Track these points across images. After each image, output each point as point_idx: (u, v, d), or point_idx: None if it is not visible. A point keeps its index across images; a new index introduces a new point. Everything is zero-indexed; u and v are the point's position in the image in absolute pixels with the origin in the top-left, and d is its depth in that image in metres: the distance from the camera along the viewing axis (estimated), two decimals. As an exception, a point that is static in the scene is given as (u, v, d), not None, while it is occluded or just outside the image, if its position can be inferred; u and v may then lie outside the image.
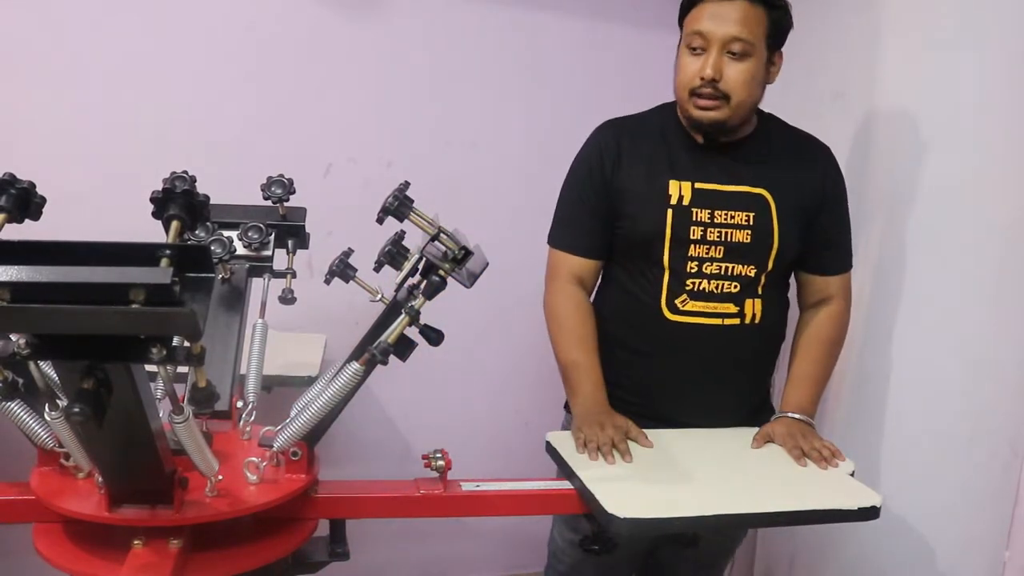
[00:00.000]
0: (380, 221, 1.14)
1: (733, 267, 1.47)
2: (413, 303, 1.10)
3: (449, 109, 2.26)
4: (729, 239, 1.46)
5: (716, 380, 1.51)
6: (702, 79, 1.39)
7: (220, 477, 1.05)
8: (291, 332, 2.02)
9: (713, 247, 1.46)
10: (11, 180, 0.95)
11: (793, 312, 1.63)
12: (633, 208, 1.48)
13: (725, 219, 1.46)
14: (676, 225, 1.45)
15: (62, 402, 0.94)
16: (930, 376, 1.66)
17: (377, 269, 1.19)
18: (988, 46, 1.58)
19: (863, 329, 1.81)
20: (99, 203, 1.91)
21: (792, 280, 1.61)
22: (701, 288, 1.47)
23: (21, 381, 1.00)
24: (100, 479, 1.02)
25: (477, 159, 2.25)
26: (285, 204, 1.27)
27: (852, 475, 1.33)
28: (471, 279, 1.14)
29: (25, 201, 0.97)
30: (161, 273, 0.77)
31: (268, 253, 1.32)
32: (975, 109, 1.60)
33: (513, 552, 2.19)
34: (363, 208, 2.19)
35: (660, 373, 1.51)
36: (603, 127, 1.56)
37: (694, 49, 1.41)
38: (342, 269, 1.23)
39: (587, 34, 2.34)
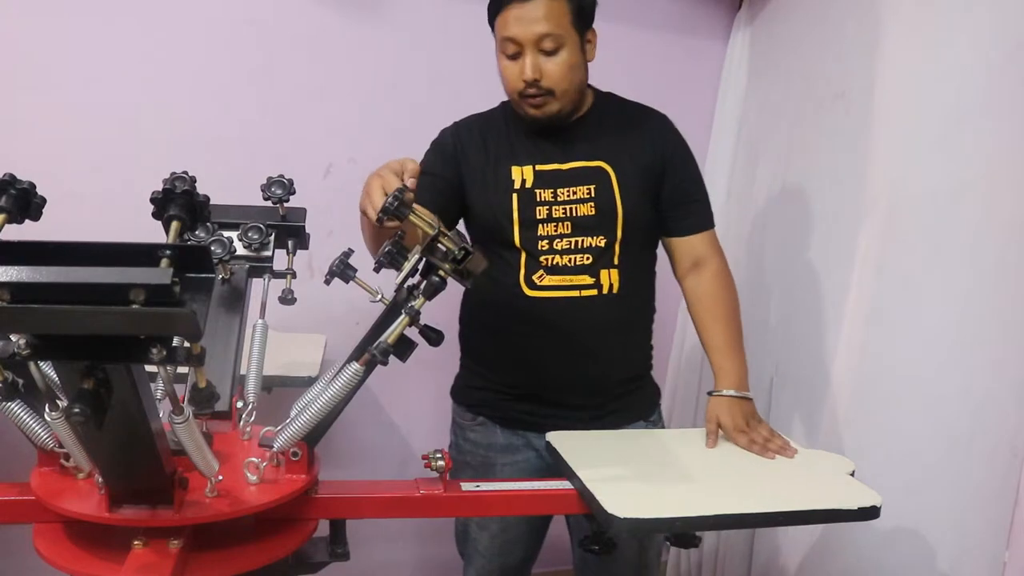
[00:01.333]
0: (379, 223, 1.14)
1: (582, 240, 1.51)
2: (413, 303, 1.10)
3: (449, 109, 2.24)
4: (574, 214, 1.51)
5: (583, 353, 1.52)
6: (525, 81, 1.45)
7: (220, 477, 1.05)
8: (291, 332, 2.03)
9: (560, 223, 1.51)
10: (11, 180, 0.95)
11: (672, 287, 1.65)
12: (480, 196, 1.54)
13: (568, 196, 1.51)
14: (522, 208, 1.51)
15: (62, 402, 0.94)
16: (930, 376, 1.66)
17: (377, 270, 1.19)
18: (988, 46, 1.58)
19: (863, 329, 1.81)
20: (99, 203, 1.92)
21: (662, 254, 1.64)
22: (554, 263, 1.51)
23: (21, 381, 1.00)
24: (100, 479, 1.02)
25: (477, 159, 2.25)
26: (285, 204, 1.27)
27: (852, 475, 1.33)
28: (470, 279, 1.13)
29: (25, 201, 0.97)
30: (161, 273, 0.77)
31: (268, 253, 1.32)
32: (975, 109, 1.60)
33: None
34: (363, 208, 2.21)
35: (527, 350, 1.54)
36: (458, 121, 1.62)
37: (511, 56, 1.46)
38: (342, 270, 1.23)
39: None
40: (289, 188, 1.20)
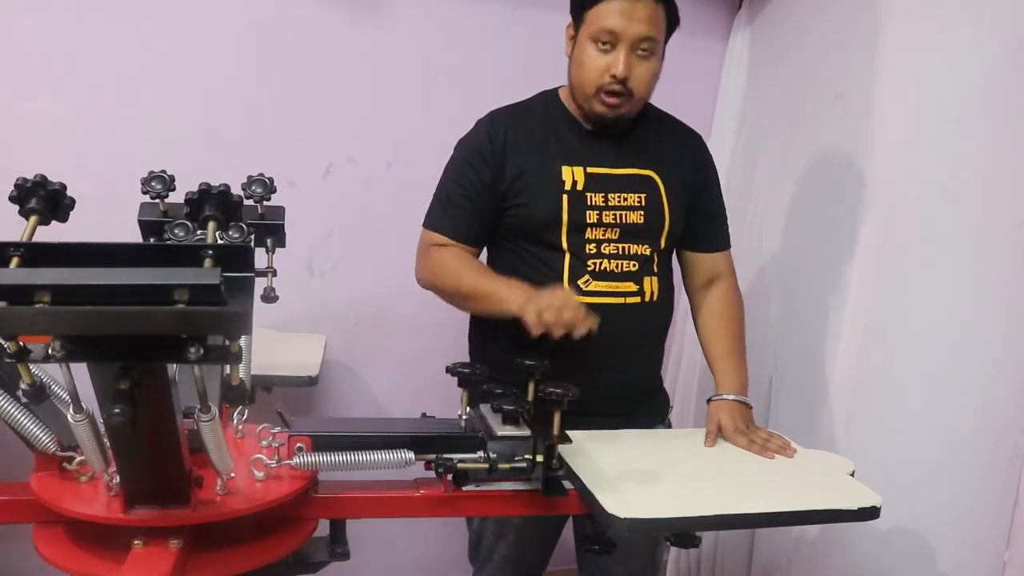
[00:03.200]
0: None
1: (629, 247, 1.50)
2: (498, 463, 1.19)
3: (449, 109, 2.26)
4: (624, 220, 1.50)
5: (621, 359, 1.51)
6: (613, 76, 1.41)
7: (233, 475, 1.06)
8: (291, 332, 2.03)
9: (609, 229, 1.49)
10: (42, 182, 0.95)
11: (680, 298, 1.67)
12: (528, 195, 1.49)
13: (619, 201, 1.49)
14: (572, 210, 1.47)
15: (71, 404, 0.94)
16: (930, 375, 1.66)
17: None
18: (988, 46, 1.58)
19: (863, 329, 1.81)
20: (99, 203, 1.91)
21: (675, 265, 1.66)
22: (602, 268, 1.50)
23: (50, 385, 1.00)
24: (116, 480, 1.02)
25: (477, 159, 2.25)
26: (264, 203, 1.27)
27: (852, 475, 1.33)
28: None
29: (55, 202, 0.97)
30: (210, 273, 0.77)
31: None
32: (975, 109, 1.60)
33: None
34: (363, 208, 2.22)
35: (569, 357, 1.47)
36: (489, 116, 1.56)
37: (603, 44, 1.42)
38: None
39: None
40: (270, 187, 1.21)
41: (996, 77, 1.57)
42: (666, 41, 1.48)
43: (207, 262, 0.82)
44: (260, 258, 1.31)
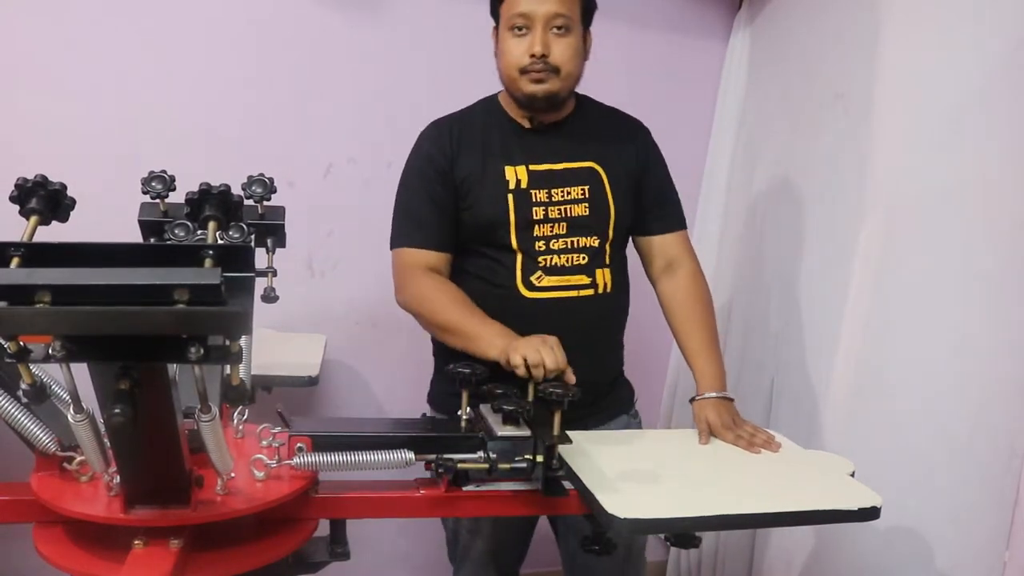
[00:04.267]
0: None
1: (578, 240, 1.53)
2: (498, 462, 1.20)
3: (449, 109, 2.25)
4: (569, 214, 1.52)
5: (581, 352, 1.47)
6: (532, 56, 1.46)
7: (233, 475, 1.06)
8: (291, 332, 2.03)
9: (556, 224, 1.52)
10: (43, 182, 0.95)
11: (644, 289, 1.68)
12: (474, 197, 1.52)
13: (563, 196, 1.52)
14: (518, 209, 1.51)
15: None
16: (930, 376, 1.66)
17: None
18: (988, 46, 1.58)
19: (863, 329, 1.81)
20: (100, 203, 1.91)
21: (634, 255, 1.67)
22: (553, 263, 1.52)
23: (50, 385, 1.00)
24: (116, 480, 1.02)
25: (477, 159, 2.25)
26: (264, 203, 1.27)
27: (852, 475, 1.33)
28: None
29: (55, 202, 0.97)
30: (210, 274, 0.77)
31: None
32: (975, 109, 1.60)
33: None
34: (363, 208, 2.21)
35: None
36: (431, 126, 1.60)
37: (518, 30, 1.47)
38: None
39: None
40: (270, 187, 1.21)
41: (996, 77, 1.57)
42: (587, 20, 1.53)
43: (207, 262, 0.82)
44: (260, 258, 1.31)
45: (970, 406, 1.59)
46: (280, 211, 1.25)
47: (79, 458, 1.07)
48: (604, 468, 1.27)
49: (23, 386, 0.89)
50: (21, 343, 0.81)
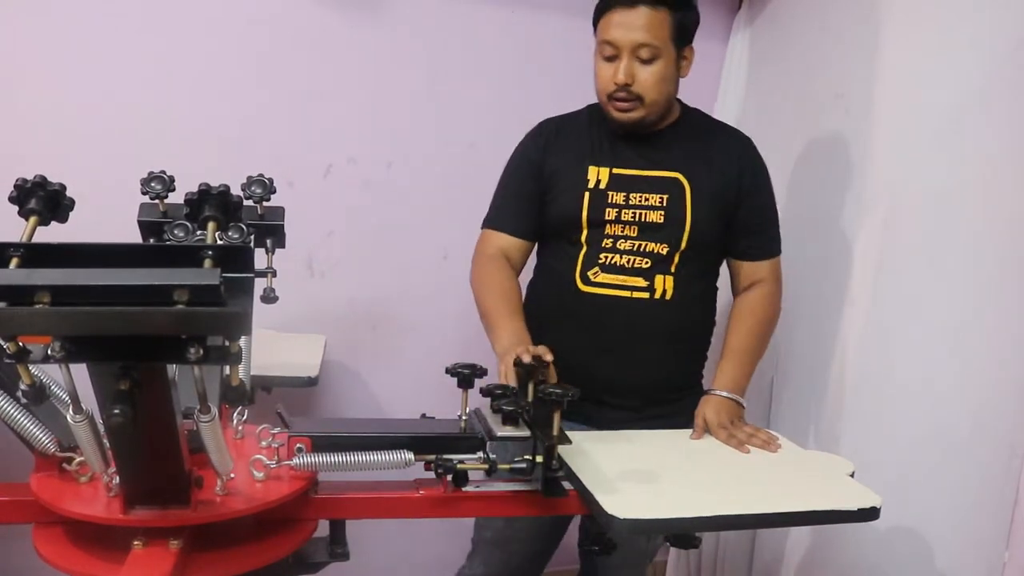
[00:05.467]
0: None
1: (646, 244, 1.55)
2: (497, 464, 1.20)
3: (448, 109, 2.26)
4: (643, 219, 1.55)
5: (627, 354, 1.56)
6: (616, 84, 1.50)
7: (233, 475, 1.06)
8: (291, 332, 2.03)
9: (628, 226, 1.55)
10: (42, 182, 0.95)
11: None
12: (556, 192, 1.59)
13: (639, 201, 1.55)
14: (592, 207, 1.55)
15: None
16: (930, 376, 1.66)
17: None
18: (988, 46, 1.58)
19: (863, 329, 1.81)
20: (99, 203, 1.91)
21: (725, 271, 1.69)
22: (613, 262, 1.55)
23: (49, 386, 1.00)
24: (116, 481, 1.02)
25: (476, 159, 2.25)
26: (264, 204, 1.27)
27: (852, 476, 1.33)
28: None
29: (55, 203, 0.97)
30: (209, 274, 0.77)
31: None
32: (975, 109, 1.60)
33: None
34: (363, 208, 2.22)
35: (573, 344, 1.53)
36: (541, 123, 1.68)
37: (608, 57, 1.52)
38: None
39: (586, 33, 2.34)
40: (269, 188, 1.21)
41: (996, 77, 1.57)
42: (679, 42, 1.53)
43: (207, 263, 0.82)
44: (260, 258, 1.31)
45: (970, 406, 1.59)
46: (280, 211, 1.25)
47: (78, 458, 1.07)
48: (604, 468, 1.27)
49: (22, 387, 0.89)
50: (20, 343, 0.81)
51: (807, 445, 1.52)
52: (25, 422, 1.07)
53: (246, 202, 1.27)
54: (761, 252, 1.64)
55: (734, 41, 2.44)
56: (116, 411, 0.79)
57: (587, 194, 1.55)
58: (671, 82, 1.54)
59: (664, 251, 1.55)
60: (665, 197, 1.55)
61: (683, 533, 1.34)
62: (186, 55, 2.05)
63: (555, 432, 1.15)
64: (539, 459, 1.17)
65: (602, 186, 1.55)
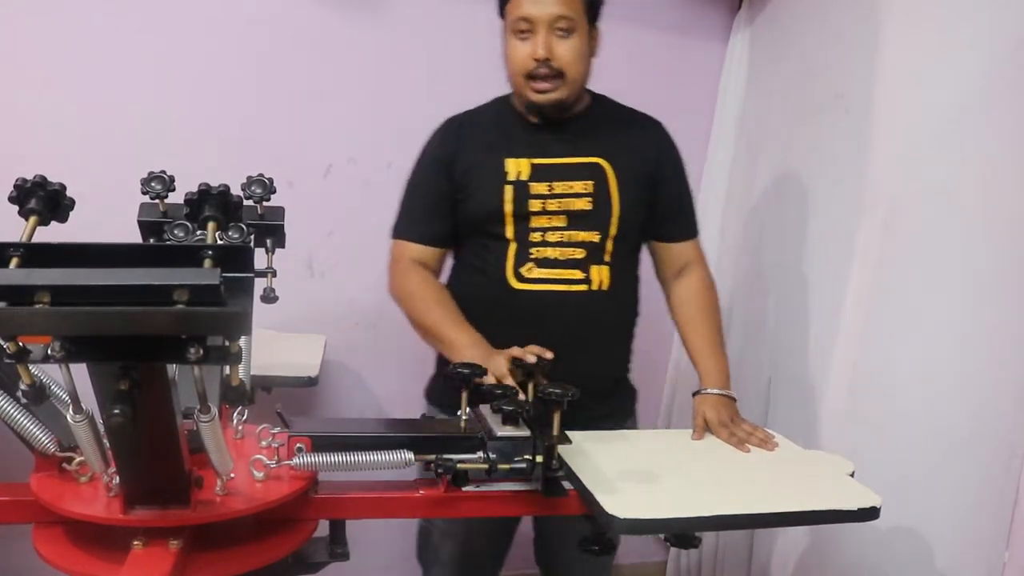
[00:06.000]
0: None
1: (576, 234, 1.51)
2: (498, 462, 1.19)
3: (448, 109, 2.25)
4: (570, 208, 1.51)
5: (569, 349, 1.44)
6: (536, 60, 1.45)
7: (233, 475, 1.06)
8: (291, 332, 2.03)
9: (555, 217, 1.51)
10: (42, 182, 0.95)
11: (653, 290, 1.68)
12: (472, 188, 1.53)
13: (564, 190, 1.51)
14: (516, 201, 1.50)
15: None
16: (929, 376, 1.66)
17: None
18: (988, 46, 1.58)
19: (863, 329, 1.81)
20: (98, 203, 1.91)
21: (647, 258, 1.67)
22: (546, 256, 1.51)
23: (49, 386, 1.00)
24: (116, 481, 1.02)
25: (477, 159, 2.25)
26: (264, 204, 1.27)
27: (852, 475, 1.33)
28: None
29: (55, 203, 0.97)
30: (209, 274, 0.77)
31: None
32: (975, 109, 1.60)
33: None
34: (363, 208, 2.21)
35: (511, 343, 1.42)
36: (445, 121, 1.62)
37: (521, 33, 1.47)
38: None
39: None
40: (269, 187, 1.21)
41: (996, 77, 1.57)
42: (591, 18, 1.50)
43: (207, 262, 0.82)
44: (260, 258, 1.31)
45: (970, 406, 1.59)
46: (280, 211, 1.25)
47: (78, 458, 1.07)
48: (604, 468, 1.27)
49: (22, 386, 0.89)
50: (20, 343, 0.81)
51: (807, 445, 1.52)
52: (25, 422, 1.07)
53: (246, 202, 1.27)
54: (685, 232, 1.64)
55: (734, 41, 2.44)
56: (116, 411, 0.79)
57: (508, 188, 1.50)
58: (587, 59, 1.51)
59: (596, 239, 1.52)
60: (591, 183, 1.52)
61: (683, 533, 1.34)
62: (186, 55, 2.05)
63: (555, 432, 1.14)
64: (539, 459, 1.17)
65: (523, 178, 1.51)
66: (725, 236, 2.42)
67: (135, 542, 1.00)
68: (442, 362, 1.64)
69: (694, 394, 1.55)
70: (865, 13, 1.88)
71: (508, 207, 1.50)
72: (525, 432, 1.18)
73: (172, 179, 1.09)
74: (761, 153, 2.29)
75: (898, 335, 1.72)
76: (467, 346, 1.41)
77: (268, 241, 1.25)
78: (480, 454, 1.20)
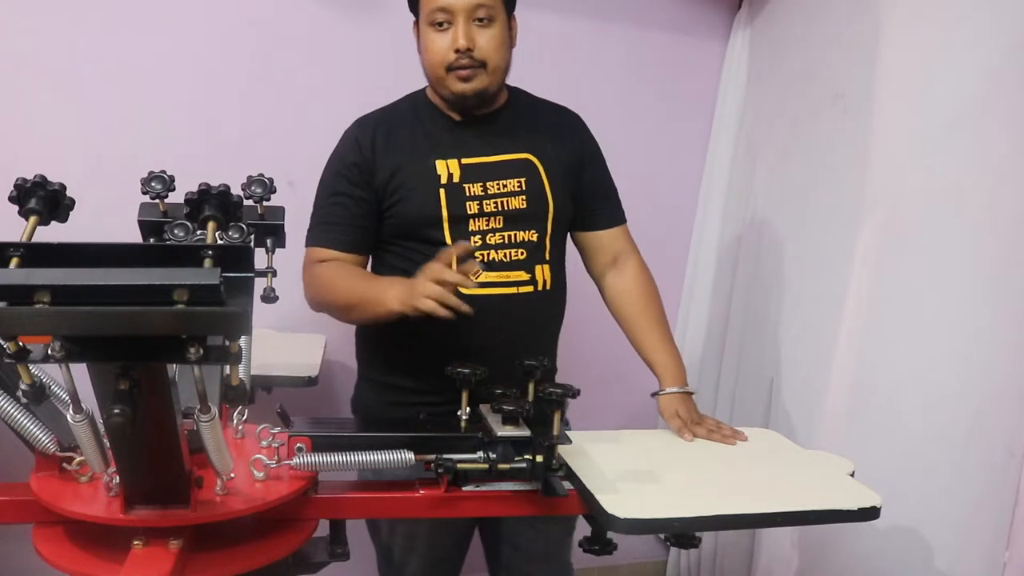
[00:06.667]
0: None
1: (515, 234, 1.48)
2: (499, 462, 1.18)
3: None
4: (506, 207, 1.47)
5: (520, 351, 1.36)
6: (457, 51, 1.41)
7: (233, 475, 1.06)
8: (291, 332, 2.03)
9: (492, 218, 1.47)
10: (42, 182, 0.95)
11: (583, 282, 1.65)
12: (403, 192, 1.47)
13: (498, 189, 1.47)
14: (451, 204, 1.45)
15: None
16: (928, 376, 1.66)
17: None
18: (988, 46, 1.58)
19: (862, 329, 1.81)
20: (98, 203, 1.92)
21: (573, 251, 1.63)
22: (491, 259, 1.47)
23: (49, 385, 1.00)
24: (116, 481, 1.02)
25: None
26: (264, 204, 1.27)
27: (852, 475, 1.33)
28: None
29: (55, 203, 0.97)
30: (209, 274, 0.77)
31: None
32: (974, 109, 1.60)
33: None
34: (363, 208, 2.21)
35: (462, 351, 1.40)
36: (355, 123, 1.54)
37: (440, 25, 1.42)
38: None
39: (586, 34, 2.34)
40: (269, 187, 1.21)
41: (995, 77, 1.57)
42: (508, 7, 1.47)
43: (207, 262, 0.82)
44: (260, 258, 1.31)
45: (969, 406, 1.59)
46: (280, 211, 1.25)
47: (79, 458, 1.07)
48: (604, 468, 1.27)
49: (22, 386, 0.89)
50: (20, 343, 0.81)
51: (807, 445, 1.52)
52: (25, 422, 1.07)
53: (246, 202, 1.27)
54: (614, 219, 1.61)
55: (734, 41, 2.44)
56: (116, 411, 0.79)
57: (442, 190, 1.45)
58: (508, 49, 1.47)
59: (535, 238, 1.49)
60: (523, 180, 1.48)
61: (683, 533, 1.34)
62: (186, 55, 2.05)
63: (555, 432, 1.14)
64: (539, 459, 1.17)
65: (456, 179, 1.46)
66: (725, 236, 2.42)
67: (135, 542, 1.00)
68: (374, 373, 1.60)
69: (654, 394, 1.53)
70: (865, 13, 1.88)
71: (445, 211, 1.45)
72: (525, 432, 1.18)
73: (172, 179, 1.09)
74: (761, 152, 2.29)
75: (898, 335, 1.72)
76: (388, 287, 1.32)
77: (268, 241, 1.25)
78: (480, 454, 1.20)
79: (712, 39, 2.48)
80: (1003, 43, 1.56)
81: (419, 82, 2.24)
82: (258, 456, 1.12)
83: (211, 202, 0.98)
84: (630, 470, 1.27)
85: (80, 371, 0.86)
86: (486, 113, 1.52)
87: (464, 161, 1.48)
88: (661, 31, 2.43)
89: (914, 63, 1.74)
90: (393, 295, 1.30)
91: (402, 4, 2.21)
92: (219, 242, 1.22)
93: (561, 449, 1.18)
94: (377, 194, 1.48)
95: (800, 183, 2.10)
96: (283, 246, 1.28)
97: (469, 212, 1.46)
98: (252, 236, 1.18)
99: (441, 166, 1.47)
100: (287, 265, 1.31)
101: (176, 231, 1.04)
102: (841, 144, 1.93)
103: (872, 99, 1.83)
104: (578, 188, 1.57)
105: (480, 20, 1.42)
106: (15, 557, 1.99)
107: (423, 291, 1.25)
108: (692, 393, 1.53)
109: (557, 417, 1.14)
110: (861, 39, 1.88)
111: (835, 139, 1.96)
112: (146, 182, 1.08)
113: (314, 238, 1.51)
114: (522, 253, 1.49)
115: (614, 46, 2.36)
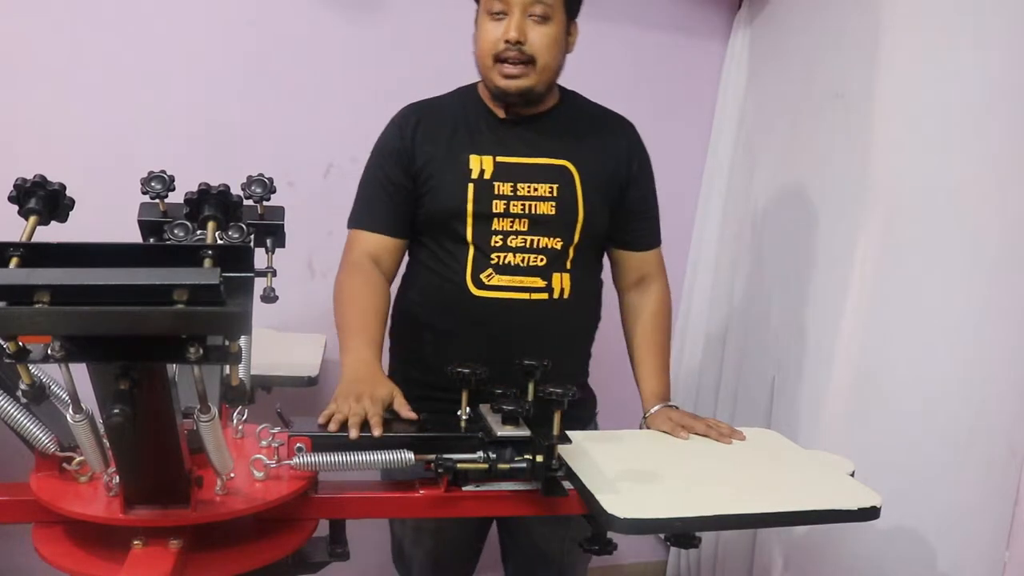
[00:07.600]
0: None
1: (538, 240, 1.46)
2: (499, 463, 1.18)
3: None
4: (533, 211, 1.45)
5: (531, 357, 1.35)
6: (507, 42, 1.39)
7: (233, 475, 1.06)
8: (291, 332, 2.03)
9: (517, 220, 1.45)
10: (42, 182, 0.95)
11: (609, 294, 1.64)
12: (433, 184, 1.47)
13: (528, 192, 1.45)
14: (478, 200, 1.44)
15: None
16: (929, 376, 1.66)
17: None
18: (989, 46, 1.58)
19: (863, 329, 1.81)
20: (98, 204, 1.92)
21: (606, 262, 1.62)
22: (507, 262, 1.45)
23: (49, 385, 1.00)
24: (116, 480, 1.02)
25: (477, 159, 2.25)
26: (264, 203, 1.27)
27: (852, 475, 1.33)
28: None
29: (55, 203, 0.97)
30: (209, 273, 0.77)
31: None
32: (975, 109, 1.60)
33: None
34: (363, 208, 2.21)
35: (470, 353, 1.38)
36: (403, 110, 1.55)
37: (496, 15, 1.41)
38: None
39: (586, 34, 2.34)
40: (269, 187, 1.21)
41: (996, 77, 1.57)
42: (569, 11, 1.45)
43: (207, 262, 0.82)
44: (260, 258, 1.31)
45: (970, 406, 1.59)
46: (280, 211, 1.25)
47: (78, 458, 1.07)
48: (604, 468, 1.27)
49: (22, 386, 0.89)
50: (20, 343, 0.81)
51: (807, 445, 1.52)
52: (25, 422, 1.07)
53: (246, 202, 1.27)
54: (647, 241, 1.59)
55: (734, 41, 2.45)
56: (116, 411, 0.79)
57: (471, 185, 1.44)
58: (562, 51, 1.45)
59: (558, 246, 1.46)
60: (555, 186, 1.46)
61: (683, 533, 1.34)
62: (186, 55, 2.05)
63: (555, 432, 1.14)
64: (539, 459, 1.17)
65: (487, 176, 1.44)
66: (725, 236, 2.43)
67: (135, 542, 1.00)
68: (399, 364, 1.59)
69: (644, 418, 1.52)
70: (865, 13, 1.88)
71: (471, 206, 1.44)
72: (525, 432, 1.18)
73: (172, 179, 1.09)
74: (761, 153, 2.29)
75: (898, 335, 1.73)
76: (349, 363, 1.34)
77: (268, 241, 1.25)
78: (480, 454, 1.20)
79: (712, 39, 2.48)
80: (1003, 43, 1.56)
81: (420, 82, 2.25)
82: (258, 456, 1.12)
83: (211, 202, 0.98)
84: (630, 470, 1.27)
85: (80, 371, 0.86)
86: (532, 114, 1.50)
87: (499, 159, 1.46)
88: (661, 31, 2.43)
89: (914, 63, 1.74)
90: (345, 363, 1.34)
91: (402, 4, 2.22)
92: (219, 242, 1.22)
93: (561, 449, 1.18)
94: (414, 181, 1.48)
95: (800, 183, 2.10)
96: (283, 246, 1.28)
97: (495, 211, 1.44)
98: (252, 236, 1.18)
99: (475, 161, 1.46)
100: (287, 265, 1.31)
101: (176, 231, 1.04)
102: (841, 144, 1.93)
103: (872, 99, 1.83)
104: (619, 204, 1.53)
105: (537, 17, 1.40)
106: (15, 557, 1.99)
107: (341, 407, 1.23)
108: (676, 407, 1.52)
109: (557, 417, 1.14)
110: (861, 39, 1.88)
111: (835, 139, 1.96)
112: (146, 182, 1.08)
113: (355, 220, 1.52)
114: (541, 259, 1.46)
115: (614, 46, 2.36)
